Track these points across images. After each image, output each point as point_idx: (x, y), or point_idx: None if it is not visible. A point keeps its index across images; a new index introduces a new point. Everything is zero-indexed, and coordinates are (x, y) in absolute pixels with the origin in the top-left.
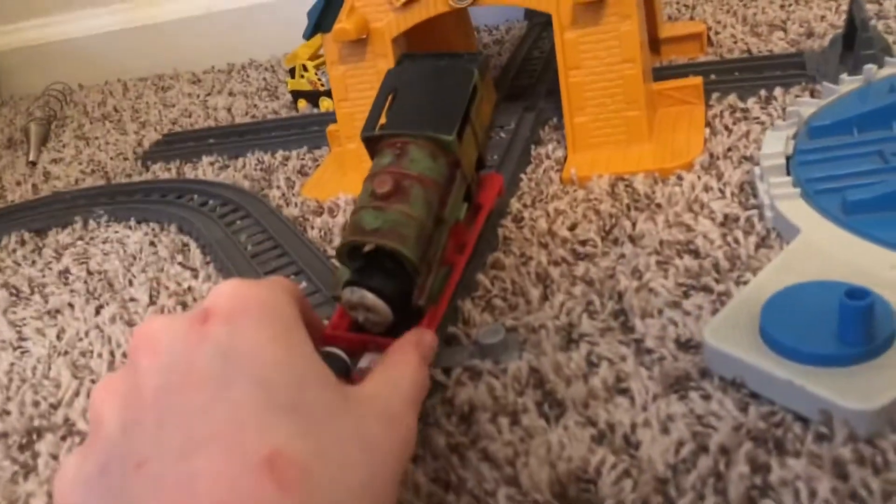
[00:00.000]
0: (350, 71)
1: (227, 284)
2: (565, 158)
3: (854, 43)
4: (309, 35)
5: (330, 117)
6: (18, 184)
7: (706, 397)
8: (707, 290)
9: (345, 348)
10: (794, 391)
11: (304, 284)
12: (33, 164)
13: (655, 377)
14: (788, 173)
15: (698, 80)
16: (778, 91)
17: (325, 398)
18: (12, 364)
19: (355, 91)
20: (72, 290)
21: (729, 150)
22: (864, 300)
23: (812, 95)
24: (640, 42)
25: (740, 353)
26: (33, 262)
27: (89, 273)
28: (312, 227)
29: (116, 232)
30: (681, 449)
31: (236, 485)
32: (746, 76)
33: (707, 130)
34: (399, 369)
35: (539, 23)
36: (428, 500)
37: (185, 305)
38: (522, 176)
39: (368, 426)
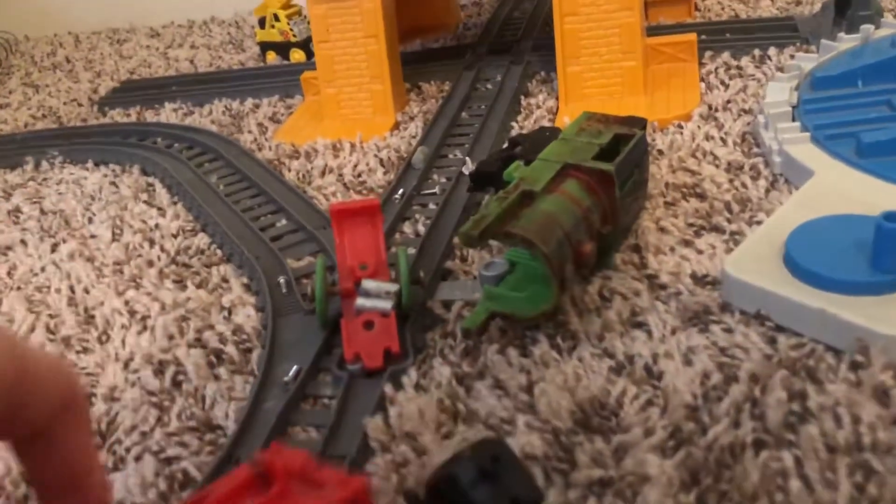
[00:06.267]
0: (332, 10)
1: None
2: (557, 109)
3: (846, 8)
4: None
5: (301, 68)
6: None
7: (728, 330)
8: (718, 229)
9: None
10: (826, 321)
11: (284, 222)
12: None
13: (672, 311)
14: (794, 121)
15: (692, 36)
16: (772, 51)
17: None
18: None
19: (337, 32)
20: (23, 229)
21: (728, 102)
22: None
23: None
24: None
25: (765, 283)
26: None
27: (43, 212)
28: (289, 170)
29: (72, 174)
30: (707, 380)
31: None
32: (738, 37)
33: (702, 86)
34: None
35: None
36: (437, 429)
37: (152, 242)
38: (513, 124)
39: None
